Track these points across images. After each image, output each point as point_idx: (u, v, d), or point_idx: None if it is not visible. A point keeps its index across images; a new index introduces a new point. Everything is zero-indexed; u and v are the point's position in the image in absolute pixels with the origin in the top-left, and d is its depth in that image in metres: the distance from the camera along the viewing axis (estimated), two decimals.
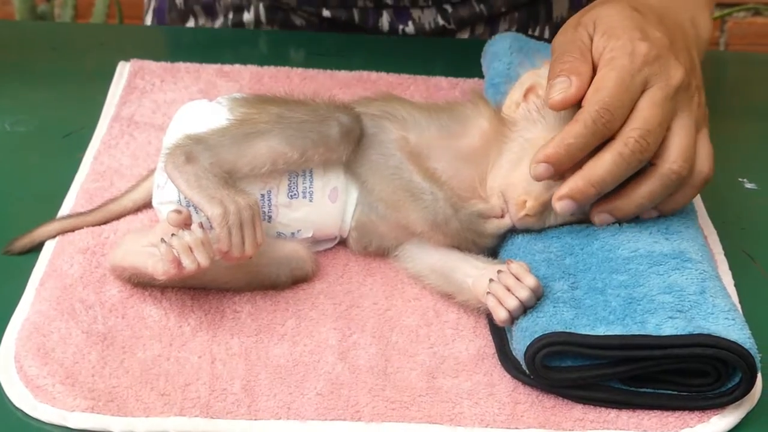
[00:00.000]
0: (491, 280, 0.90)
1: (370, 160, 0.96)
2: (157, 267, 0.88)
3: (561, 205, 0.93)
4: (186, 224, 0.89)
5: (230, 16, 1.44)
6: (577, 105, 0.94)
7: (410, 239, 0.98)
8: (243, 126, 0.94)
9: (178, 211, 0.89)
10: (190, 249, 0.87)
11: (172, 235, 0.88)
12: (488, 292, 0.90)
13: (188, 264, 0.87)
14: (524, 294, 0.88)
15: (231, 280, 0.94)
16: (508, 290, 0.89)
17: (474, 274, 0.93)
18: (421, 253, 0.97)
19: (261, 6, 1.43)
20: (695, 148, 0.95)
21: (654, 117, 0.93)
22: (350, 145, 0.95)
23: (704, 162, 0.96)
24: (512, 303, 0.88)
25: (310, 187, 0.96)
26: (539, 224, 0.96)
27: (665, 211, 0.97)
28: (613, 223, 0.96)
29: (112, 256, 0.94)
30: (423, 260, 0.97)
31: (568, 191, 0.92)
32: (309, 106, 0.96)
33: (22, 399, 0.85)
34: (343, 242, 1.01)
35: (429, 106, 0.99)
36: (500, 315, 0.89)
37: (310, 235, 0.98)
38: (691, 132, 0.95)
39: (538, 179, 0.93)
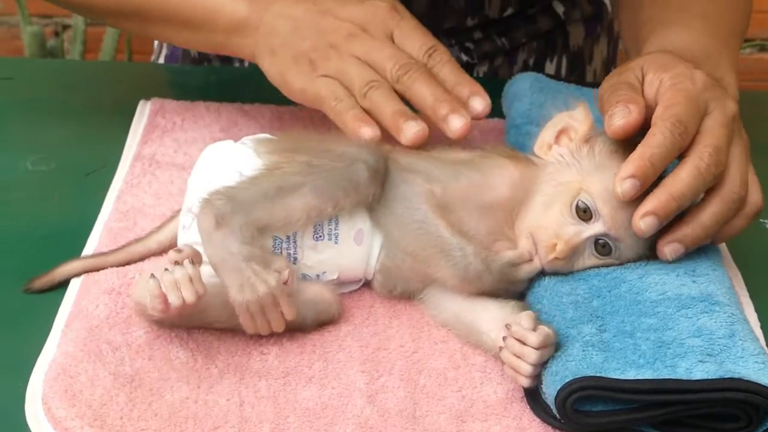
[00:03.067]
0: (501, 348, 0.90)
1: (395, 214, 0.96)
2: (149, 303, 0.88)
3: (646, 222, 0.92)
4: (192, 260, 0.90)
5: (246, 64, 1.44)
6: (618, 149, 0.95)
7: (436, 283, 0.97)
8: (272, 179, 0.93)
9: (179, 250, 0.90)
10: (177, 285, 0.87)
11: (165, 270, 0.88)
12: (504, 363, 0.90)
13: (174, 300, 0.87)
14: (533, 357, 0.88)
15: None
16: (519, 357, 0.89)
17: (494, 328, 0.92)
18: (446, 300, 0.97)
19: None
20: (748, 176, 0.97)
21: (722, 135, 0.95)
22: (378, 185, 0.95)
23: (756, 193, 0.98)
24: (526, 369, 0.88)
25: (335, 230, 0.96)
26: (567, 267, 0.96)
27: (719, 240, 0.98)
28: (640, 265, 0.96)
29: (132, 296, 0.94)
30: (448, 308, 0.97)
31: (651, 207, 0.92)
32: (335, 151, 0.96)
33: None
34: (367, 284, 1.01)
35: (450, 158, 0.99)
36: (522, 383, 0.89)
37: (335, 277, 0.98)
38: (744, 160, 0.97)
39: (626, 197, 0.92)
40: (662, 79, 0.97)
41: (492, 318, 0.93)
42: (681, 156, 0.94)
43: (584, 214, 0.94)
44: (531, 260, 0.95)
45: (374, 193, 0.95)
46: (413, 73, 1.04)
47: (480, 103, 1.05)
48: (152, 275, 0.87)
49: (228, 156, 0.98)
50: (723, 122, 0.96)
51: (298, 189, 0.93)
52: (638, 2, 1.20)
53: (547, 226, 0.95)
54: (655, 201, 0.92)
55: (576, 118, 0.99)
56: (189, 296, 0.88)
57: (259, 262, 0.90)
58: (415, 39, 1.07)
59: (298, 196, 0.93)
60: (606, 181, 0.95)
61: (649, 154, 0.92)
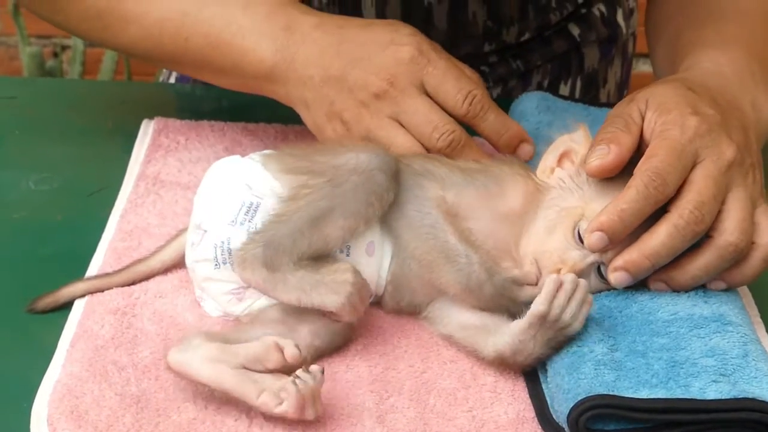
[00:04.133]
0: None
1: (407, 215, 0.95)
2: (269, 402, 0.85)
3: (615, 277, 0.93)
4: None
5: None
6: (622, 175, 0.95)
7: (442, 296, 0.97)
8: (302, 212, 0.92)
9: (299, 349, 0.88)
10: (313, 398, 0.86)
11: (296, 377, 0.85)
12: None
13: (310, 414, 0.85)
14: (573, 306, 0.88)
15: None
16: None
17: (505, 331, 0.92)
18: (452, 311, 0.96)
19: None
20: (752, 221, 0.95)
21: (708, 189, 0.93)
22: (395, 188, 0.95)
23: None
24: (559, 300, 0.88)
25: (347, 242, 0.96)
26: None
27: (733, 284, 0.96)
28: None
29: (178, 361, 0.88)
30: (453, 319, 0.96)
31: (622, 263, 0.92)
32: (347, 165, 0.95)
33: None
34: (376, 304, 0.99)
35: (466, 166, 0.99)
36: (540, 306, 0.88)
37: None
38: (746, 205, 0.94)
39: (593, 249, 0.93)
40: (656, 122, 0.96)
41: (502, 324, 0.93)
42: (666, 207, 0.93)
43: None
44: (535, 284, 0.94)
45: (394, 193, 0.95)
46: (455, 145, 1.03)
47: (528, 150, 1.07)
48: (293, 382, 0.85)
49: (236, 170, 0.98)
50: (712, 173, 0.94)
51: (328, 215, 0.92)
52: (678, 32, 1.20)
53: (551, 251, 0.95)
54: (627, 257, 0.92)
55: (577, 140, 0.99)
56: (318, 412, 0.87)
57: (324, 266, 0.91)
58: (448, 85, 1.04)
59: (331, 222, 0.92)
60: None
61: (618, 210, 0.92)
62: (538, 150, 1.10)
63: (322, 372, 0.86)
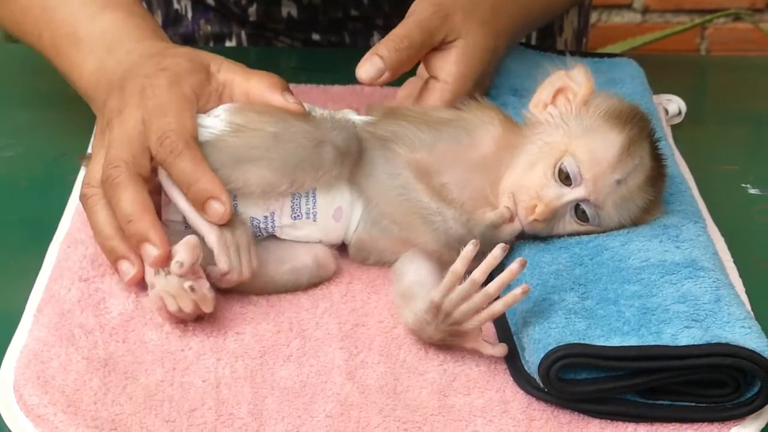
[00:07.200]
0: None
1: (378, 180, 0.94)
2: (151, 301, 0.92)
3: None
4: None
5: (211, 44, 1.43)
6: (621, 113, 0.95)
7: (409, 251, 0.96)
8: (233, 148, 0.92)
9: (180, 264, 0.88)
10: (173, 296, 0.89)
11: (156, 273, 0.90)
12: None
13: (171, 306, 0.89)
14: (464, 307, 0.86)
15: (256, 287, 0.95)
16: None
17: None
18: (408, 272, 0.95)
19: (243, 33, 1.41)
20: None
21: None
22: (347, 166, 0.94)
23: None
24: (452, 297, 0.86)
25: (313, 208, 0.95)
26: (547, 230, 0.94)
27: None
28: (622, 232, 0.94)
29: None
30: (403, 283, 0.95)
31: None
32: (305, 126, 0.94)
33: (23, 430, 0.82)
34: (346, 259, 0.99)
35: (435, 119, 0.97)
36: (435, 296, 0.86)
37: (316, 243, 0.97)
38: None
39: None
40: None
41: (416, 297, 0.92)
42: None
43: (566, 179, 0.93)
44: (512, 221, 0.93)
45: (347, 172, 0.94)
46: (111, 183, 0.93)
47: (216, 208, 0.91)
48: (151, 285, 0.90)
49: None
50: None
51: (256, 161, 0.92)
52: None
53: (529, 186, 0.93)
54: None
55: (575, 79, 0.97)
56: (187, 307, 0.89)
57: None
58: (151, 123, 0.94)
59: (255, 168, 0.92)
60: (592, 145, 0.93)
61: None
62: (506, 101, 1.10)
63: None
